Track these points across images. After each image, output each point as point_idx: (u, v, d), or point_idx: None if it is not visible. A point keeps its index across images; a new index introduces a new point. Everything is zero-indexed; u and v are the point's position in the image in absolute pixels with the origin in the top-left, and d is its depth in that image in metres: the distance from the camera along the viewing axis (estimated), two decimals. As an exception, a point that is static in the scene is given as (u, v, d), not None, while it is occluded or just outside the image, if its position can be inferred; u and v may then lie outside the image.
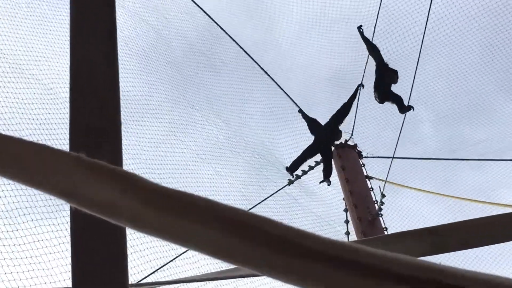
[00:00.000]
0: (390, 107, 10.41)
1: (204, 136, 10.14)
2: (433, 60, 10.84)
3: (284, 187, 10.72)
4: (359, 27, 9.90)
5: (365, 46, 10.12)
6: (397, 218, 11.32)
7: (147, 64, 9.84)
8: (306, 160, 10.65)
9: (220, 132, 10.40)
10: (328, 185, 10.62)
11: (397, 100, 9.86)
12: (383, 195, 10.18)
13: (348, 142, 11.41)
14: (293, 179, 10.74)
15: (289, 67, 11.38)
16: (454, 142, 11.58)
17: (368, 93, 10.82)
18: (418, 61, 8.88)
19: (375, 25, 10.10)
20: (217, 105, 10.52)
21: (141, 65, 9.79)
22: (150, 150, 9.05)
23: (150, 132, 9.27)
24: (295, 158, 10.48)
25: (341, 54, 11.17)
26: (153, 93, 9.65)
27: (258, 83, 11.25)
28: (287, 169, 10.46)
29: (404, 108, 9.76)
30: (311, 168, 11.05)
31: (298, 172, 10.72)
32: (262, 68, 11.12)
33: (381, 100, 10.02)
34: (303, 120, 10.99)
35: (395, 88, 10.04)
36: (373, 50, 9.98)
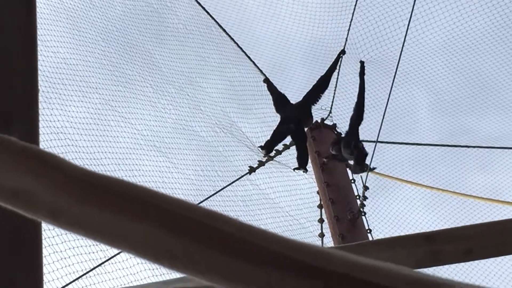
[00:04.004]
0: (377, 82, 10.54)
1: (147, 105, 10.10)
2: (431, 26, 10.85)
3: (244, 175, 10.71)
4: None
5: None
6: (385, 219, 11.32)
7: (77, 19, 9.74)
8: (278, 143, 10.65)
9: (169, 102, 10.35)
10: (304, 172, 10.61)
11: (361, 156, 9.97)
12: (365, 187, 10.12)
13: (325, 122, 11.33)
14: (264, 160, 10.76)
15: (253, 32, 11.35)
16: (458, 131, 11.60)
17: (352, 62, 10.86)
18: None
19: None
20: (165, 69, 10.48)
21: (71, 18, 9.68)
22: (76, 126, 8.96)
23: (81, 105, 9.17)
24: (268, 138, 10.48)
25: (319, 21, 11.16)
26: (85, 56, 9.56)
27: (219, 46, 11.23)
28: (262, 148, 10.44)
29: (361, 165, 9.93)
30: (286, 147, 11.00)
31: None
32: (220, 26, 11.08)
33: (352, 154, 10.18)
34: (269, 93, 10.96)
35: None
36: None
